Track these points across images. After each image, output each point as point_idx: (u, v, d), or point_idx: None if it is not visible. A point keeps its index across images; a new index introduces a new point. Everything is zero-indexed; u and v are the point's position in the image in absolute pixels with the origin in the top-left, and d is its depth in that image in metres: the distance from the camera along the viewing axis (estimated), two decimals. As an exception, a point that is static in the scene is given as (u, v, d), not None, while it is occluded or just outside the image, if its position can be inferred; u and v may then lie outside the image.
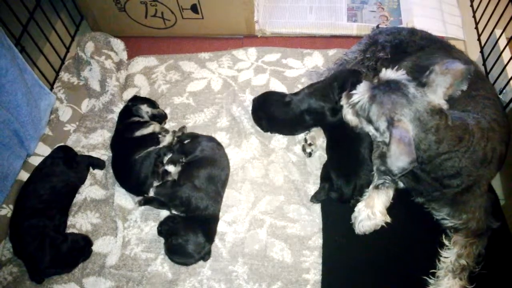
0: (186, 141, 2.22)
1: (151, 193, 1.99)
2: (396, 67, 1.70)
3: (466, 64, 1.66)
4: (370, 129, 1.72)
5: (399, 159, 1.50)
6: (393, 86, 1.61)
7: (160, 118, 2.33)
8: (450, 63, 1.61)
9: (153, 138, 2.17)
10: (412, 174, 1.79)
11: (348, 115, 1.81)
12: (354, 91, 1.73)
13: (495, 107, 1.83)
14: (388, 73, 1.67)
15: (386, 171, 2.00)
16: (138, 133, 2.16)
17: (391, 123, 1.56)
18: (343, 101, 1.86)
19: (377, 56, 2.23)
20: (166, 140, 2.18)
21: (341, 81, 2.13)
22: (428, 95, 1.58)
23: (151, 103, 2.35)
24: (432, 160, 1.64)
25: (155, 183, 2.05)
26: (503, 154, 1.79)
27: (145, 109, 2.29)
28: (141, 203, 2.06)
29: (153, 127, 2.21)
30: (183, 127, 2.32)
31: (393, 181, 1.99)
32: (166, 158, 2.13)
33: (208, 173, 2.01)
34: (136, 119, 2.24)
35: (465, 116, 1.70)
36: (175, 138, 2.24)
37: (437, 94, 1.58)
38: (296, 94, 2.29)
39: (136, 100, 2.36)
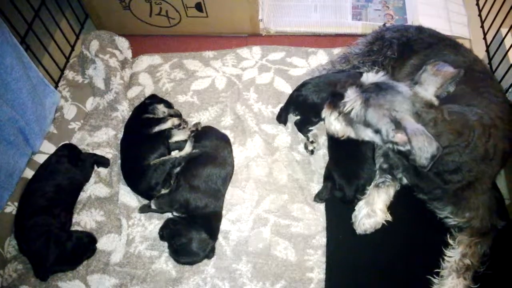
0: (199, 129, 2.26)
1: (152, 206, 2.00)
2: (376, 69, 1.72)
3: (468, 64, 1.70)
4: (367, 133, 1.72)
5: (424, 150, 1.48)
6: (384, 87, 1.64)
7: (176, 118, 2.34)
8: (442, 65, 1.65)
9: (165, 136, 2.20)
10: (414, 169, 1.79)
11: (335, 126, 1.82)
12: (344, 100, 1.74)
13: (502, 105, 1.82)
14: (370, 77, 1.72)
15: (387, 169, 2.01)
16: (157, 128, 2.18)
17: (396, 122, 1.57)
18: (327, 113, 1.86)
19: (385, 53, 2.21)
20: (185, 150, 2.17)
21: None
22: (420, 91, 1.62)
23: (167, 103, 2.37)
24: None
25: (163, 191, 2.05)
26: (506, 151, 1.78)
27: (161, 108, 2.31)
28: (142, 211, 2.07)
29: (172, 122, 2.23)
30: (198, 123, 2.30)
31: (395, 179, 1.99)
32: (178, 169, 2.09)
33: (207, 170, 2.00)
34: (151, 115, 2.26)
35: (467, 112, 1.70)
36: (191, 133, 2.25)
37: (428, 92, 1.63)
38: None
39: (154, 98, 2.38)
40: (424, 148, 1.48)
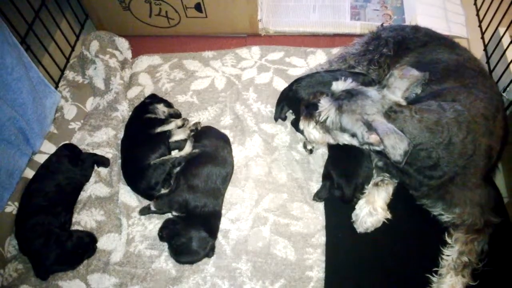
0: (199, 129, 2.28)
1: (152, 208, 2.01)
2: (343, 78, 1.83)
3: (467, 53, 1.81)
4: (344, 137, 1.81)
5: (396, 147, 1.56)
6: (354, 93, 1.75)
7: (176, 117, 2.36)
8: (407, 70, 1.76)
9: (166, 136, 2.21)
10: (396, 167, 1.83)
11: (315, 135, 1.91)
12: (318, 110, 1.82)
13: (488, 101, 1.82)
14: (340, 85, 1.82)
15: (383, 167, 2.02)
16: (160, 129, 2.19)
17: (368, 124, 1.66)
18: (304, 124, 1.94)
19: (380, 51, 2.25)
20: (185, 150, 2.17)
21: None
22: (388, 94, 1.73)
23: (167, 103, 2.39)
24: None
25: (163, 191, 2.06)
26: (493, 148, 1.78)
27: (161, 108, 2.32)
28: (142, 213, 2.07)
29: (175, 124, 2.26)
30: (198, 123, 2.31)
31: (392, 177, 2.01)
32: (178, 169, 2.09)
33: (206, 170, 2.00)
34: (152, 116, 2.27)
35: (445, 109, 1.72)
36: (190, 133, 2.26)
37: (395, 95, 1.74)
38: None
39: (153, 98, 2.39)
40: (396, 145, 1.56)
